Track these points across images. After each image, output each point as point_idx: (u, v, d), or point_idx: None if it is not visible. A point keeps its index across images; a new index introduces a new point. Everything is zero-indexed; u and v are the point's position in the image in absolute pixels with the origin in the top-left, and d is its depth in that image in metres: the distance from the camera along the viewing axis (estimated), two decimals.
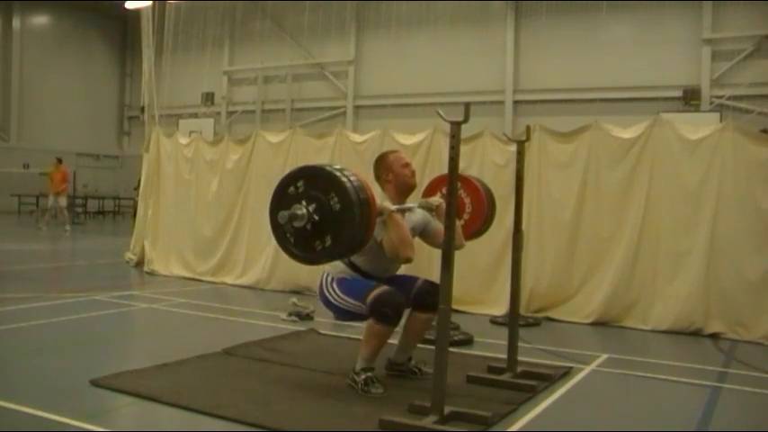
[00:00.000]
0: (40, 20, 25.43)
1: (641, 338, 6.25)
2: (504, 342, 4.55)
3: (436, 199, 4.42)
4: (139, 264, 9.68)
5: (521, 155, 4.58)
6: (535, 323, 6.54)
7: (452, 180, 3.62)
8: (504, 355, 4.51)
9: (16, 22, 24.48)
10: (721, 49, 16.71)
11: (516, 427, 3.66)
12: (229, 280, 8.55)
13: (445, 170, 3.76)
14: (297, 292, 7.78)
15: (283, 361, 4.81)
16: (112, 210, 24.25)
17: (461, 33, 19.08)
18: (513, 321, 4.55)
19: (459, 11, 19.11)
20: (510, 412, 3.82)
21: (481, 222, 4.76)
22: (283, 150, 8.37)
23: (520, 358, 4.56)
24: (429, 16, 19.32)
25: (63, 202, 17.02)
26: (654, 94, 16.90)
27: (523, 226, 4.66)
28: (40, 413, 3.56)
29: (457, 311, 6.07)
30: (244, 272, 8.48)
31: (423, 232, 4.39)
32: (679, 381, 4.79)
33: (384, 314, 3.96)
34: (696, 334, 6.24)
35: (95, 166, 25.35)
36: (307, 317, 6.46)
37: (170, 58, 15.05)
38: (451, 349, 3.70)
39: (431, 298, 4.16)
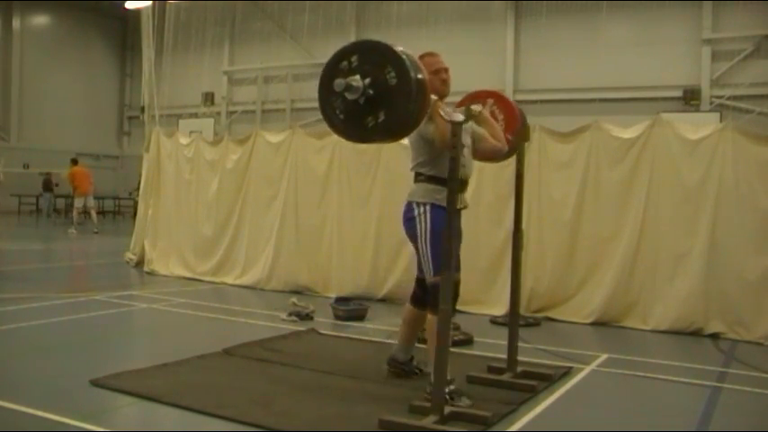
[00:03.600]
0: (40, 20, 25.44)
1: (641, 338, 6.25)
2: (504, 342, 4.55)
3: (476, 106, 4.25)
4: (139, 264, 9.68)
5: (521, 155, 4.58)
6: (535, 323, 6.53)
7: (453, 178, 3.62)
8: (504, 355, 4.50)
9: (16, 22, 24.50)
10: (721, 49, 16.72)
11: (516, 427, 3.66)
12: (229, 280, 8.55)
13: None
14: (297, 292, 7.78)
15: (283, 361, 4.81)
16: (112, 210, 24.24)
17: (461, 33, 19.08)
18: (513, 321, 4.55)
19: (459, 11, 19.12)
20: (510, 412, 3.82)
21: (516, 139, 4.51)
22: (283, 150, 8.38)
23: (520, 358, 4.56)
24: (429, 16, 19.31)
25: (76, 203, 16.59)
26: (654, 94, 16.90)
27: (523, 226, 4.65)
28: (40, 413, 3.56)
29: (457, 311, 6.05)
30: (244, 272, 8.48)
31: (472, 135, 4.21)
32: (679, 381, 4.79)
33: (438, 303, 3.77)
34: (696, 334, 6.24)
35: (95, 166, 25.15)
36: (307, 317, 6.46)
37: (170, 58, 15.05)
38: (451, 349, 3.70)
39: (423, 295, 4.13)
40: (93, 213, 17.01)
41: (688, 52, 16.91)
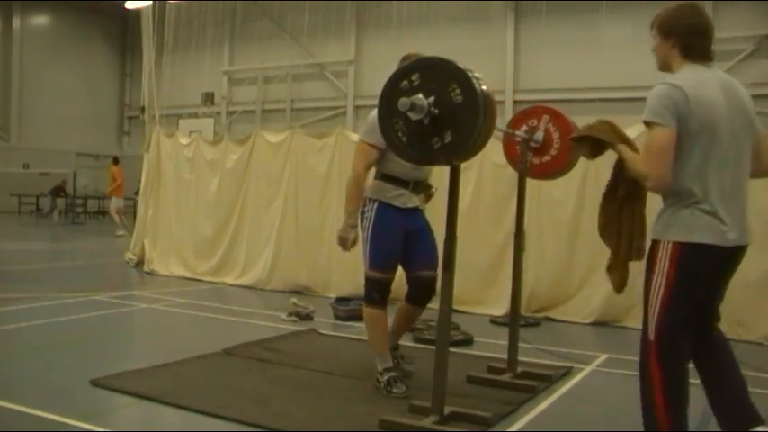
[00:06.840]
0: (40, 20, 25.45)
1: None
2: (504, 342, 4.54)
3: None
4: (139, 264, 9.68)
5: (523, 155, 4.57)
6: (535, 323, 6.53)
7: (454, 180, 3.62)
8: (504, 355, 4.50)
9: (16, 22, 24.51)
10: (721, 49, 16.61)
11: (516, 427, 3.66)
12: (229, 280, 8.55)
13: (446, 169, 3.75)
14: (297, 292, 7.79)
15: (283, 361, 4.81)
16: None
17: (461, 33, 19.08)
18: (514, 321, 4.54)
19: (459, 11, 19.12)
20: (510, 412, 3.82)
21: (570, 156, 4.47)
22: (283, 150, 8.38)
23: (520, 358, 4.56)
24: (429, 16, 19.31)
25: (112, 204, 16.38)
26: None
27: (524, 226, 4.64)
28: (40, 413, 3.55)
29: (457, 311, 6.06)
30: (244, 272, 8.48)
31: None
32: None
33: (369, 296, 4.09)
34: None
35: (95, 166, 25.25)
36: (307, 317, 6.46)
37: (170, 58, 15.08)
38: (451, 349, 3.70)
39: (421, 292, 4.23)
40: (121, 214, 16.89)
41: None
